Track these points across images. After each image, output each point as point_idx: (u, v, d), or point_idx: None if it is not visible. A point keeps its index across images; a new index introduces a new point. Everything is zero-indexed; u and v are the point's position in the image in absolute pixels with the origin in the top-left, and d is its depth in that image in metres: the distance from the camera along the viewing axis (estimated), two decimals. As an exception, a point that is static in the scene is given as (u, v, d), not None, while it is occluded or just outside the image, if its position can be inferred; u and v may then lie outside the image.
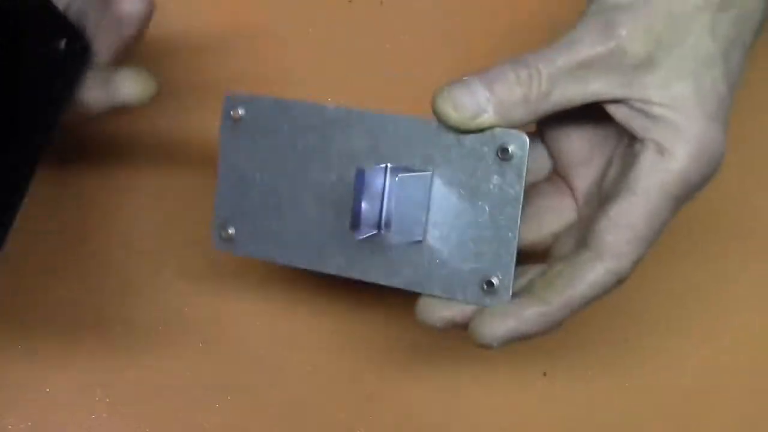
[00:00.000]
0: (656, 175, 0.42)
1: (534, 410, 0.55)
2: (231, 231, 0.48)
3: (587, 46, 0.42)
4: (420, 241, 0.44)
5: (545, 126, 0.46)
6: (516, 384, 0.55)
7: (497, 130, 0.42)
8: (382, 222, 0.43)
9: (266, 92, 0.54)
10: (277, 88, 0.56)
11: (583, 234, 0.43)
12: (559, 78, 0.42)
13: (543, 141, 0.47)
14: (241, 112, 0.47)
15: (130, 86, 0.45)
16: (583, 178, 0.45)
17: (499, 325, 0.42)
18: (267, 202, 0.47)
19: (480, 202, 0.43)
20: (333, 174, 0.46)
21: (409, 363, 0.55)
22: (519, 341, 0.42)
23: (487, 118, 0.42)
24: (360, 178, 0.42)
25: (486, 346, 0.42)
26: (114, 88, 0.45)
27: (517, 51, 0.56)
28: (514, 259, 0.43)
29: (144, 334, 0.55)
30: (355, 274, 0.45)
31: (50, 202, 0.55)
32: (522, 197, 0.42)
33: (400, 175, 0.43)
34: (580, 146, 0.45)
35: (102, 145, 0.56)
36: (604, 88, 0.42)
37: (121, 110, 0.46)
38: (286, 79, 0.58)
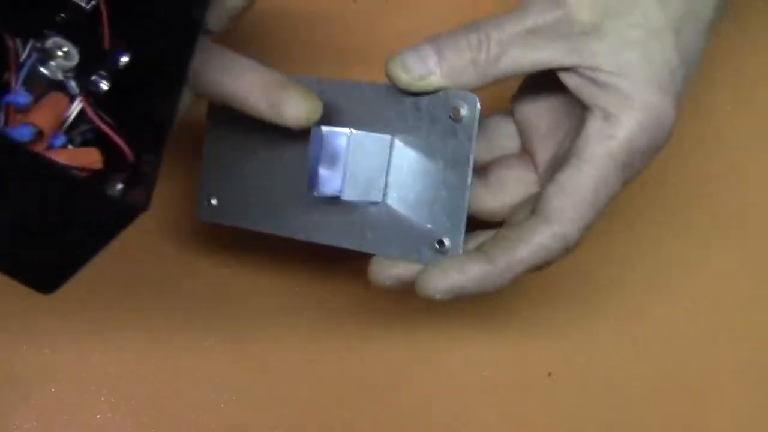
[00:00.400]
0: (602, 142, 0.42)
1: (539, 411, 0.54)
2: (213, 202, 0.50)
3: (536, 13, 0.43)
4: (378, 203, 0.45)
5: (516, 101, 0.47)
6: (521, 384, 0.55)
7: (450, 93, 0.43)
8: (343, 182, 0.44)
9: None
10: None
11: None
12: (509, 44, 0.43)
13: (513, 118, 0.47)
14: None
15: (296, 109, 0.44)
16: (545, 151, 0.46)
17: (443, 278, 0.43)
18: (244, 175, 0.49)
19: (435, 164, 0.44)
20: (298, 144, 0.47)
21: (414, 362, 0.55)
22: (463, 297, 0.43)
23: (435, 79, 0.43)
24: (317, 137, 0.44)
25: (429, 298, 0.43)
26: (277, 104, 0.44)
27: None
28: (464, 219, 0.43)
29: (150, 334, 0.55)
30: (317, 239, 0.47)
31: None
32: (472, 157, 0.43)
33: (358, 133, 0.44)
34: (546, 120, 0.46)
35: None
36: (554, 55, 0.43)
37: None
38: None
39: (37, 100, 0.42)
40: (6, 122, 0.41)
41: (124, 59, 0.43)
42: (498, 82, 0.43)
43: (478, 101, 0.43)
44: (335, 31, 0.59)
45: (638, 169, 0.43)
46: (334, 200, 0.45)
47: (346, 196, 0.45)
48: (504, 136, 0.48)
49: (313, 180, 0.44)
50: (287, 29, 0.58)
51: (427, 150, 0.44)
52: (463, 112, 0.43)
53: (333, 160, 0.44)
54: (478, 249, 0.44)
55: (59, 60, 0.42)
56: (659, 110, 0.43)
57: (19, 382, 0.55)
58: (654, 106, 0.42)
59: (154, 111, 0.40)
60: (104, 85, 0.43)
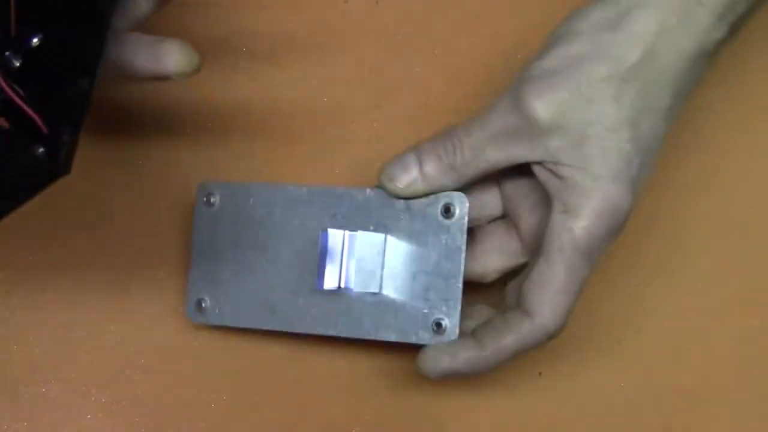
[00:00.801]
0: (565, 235, 0.46)
1: (529, 410, 0.55)
2: (204, 305, 0.53)
3: (499, 117, 0.47)
4: (376, 293, 0.50)
5: (503, 175, 0.51)
6: (511, 384, 0.55)
7: (440, 194, 0.49)
8: (342, 277, 0.50)
9: (258, 89, 0.54)
10: (270, 89, 0.57)
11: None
12: (479, 147, 0.48)
13: (500, 188, 0.51)
14: (213, 197, 0.53)
15: (175, 59, 0.47)
16: (528, 225, 0.50)
17: (436, 362, 0.48)
18: (238, 274, 0.53)
19: (428, 256, 0.49)
20: (297, 243, 0.51)
21: (403, 362, 0.55)
22: (455, 377, 0.48)
23: (419, 186, 0.49)
24: (324, 238, 0.50)
25: (426, 377, 0.48)
26: (160, 58, 0.47)
27: (512, 50, 0.57)
28: (460, 303, 0.49)
29: (140, 334, 0.55)
30: (317, 330, 0.51)
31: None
32: (464, 249, 0.49)
33: (356, 233, 0.50)
34: (529, 198, 0.50)
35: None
36: (521, 153, 0.47)
37: (162, 80, 0.47)
38: (279, 78, 0.58)
39: None
40: None
41: (35, 40, 0.45)
42: (477, 178, 0.49)
43: (466, 200, 0.49)
44: (325, 30, 0.59)
45: (602, 250, 0.47)
46: (332, 293, 0.50)
47: (350, 293, 0.50)
48: (489, 202, 0.52)
49: (321, 276, 0.50)
50: (275, 28, 0.58)
51: (420, 243, 0.49)
52: (453, 209, 0.49)
53: (335, 257, 0.50)
54: (471, 334, 0.48)
55: None
56: (616, 199, 0.46)
57: (8, 383, 0.55)
58: (611, 195, 0.46)
59: (70, 88, 0.43)
60: (16, 62, 0.45)
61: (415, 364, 0.48)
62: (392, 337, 0.50)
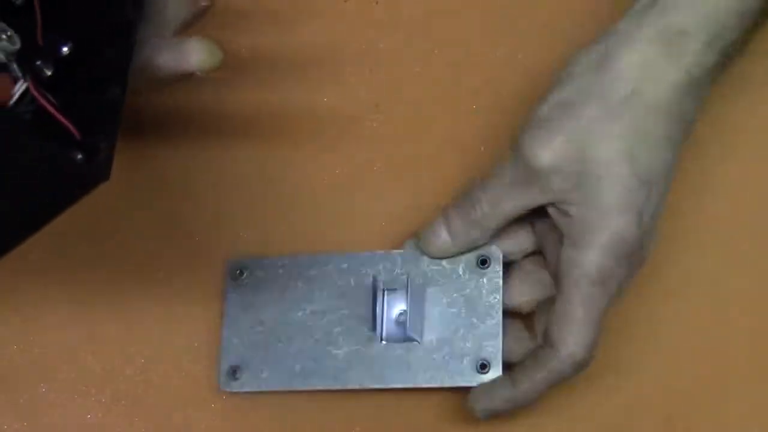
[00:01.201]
0: (576, 270, 0.49)
1: (528, 411, 0.55)
2: (239, 375, 0.54)
3: (508, 169, 0.50)
4: (419, 341, 0.53)
5: (536, 214, 0.52)
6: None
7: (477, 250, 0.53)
8: (385, 330, 0.53)
9: (262, 89, 0.56)
10: (271, 88, 0.57)
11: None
12: (496, 200, 0.51)
13: (531, 222, 0.53)
14: (243, 273, 0.55)
15: (198, 55, 0.48)
16: (552, 258, 0.52)
17: (481, 404, 0.51)
18: (272, 341, 0.54)
19: (467, 304, 0.53)
20: (333, 306, 0.54)
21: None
22: (499, 414, 0.51)
23: (450, 246, 0.53)
24: (375, 297, 0.53)
25: (475, 416, 0.51)
26: (183, 56, 0.48)
27: (511, 51, 0.57)
28: (501, 343, 0.52)
29: (139, 334, 0.55)
30: (362, 384, 0.53)
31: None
32: (501, 296, 0.53)
33: (396, 289, 0.53)
34: (550, 230, 0.52)
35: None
36: (533, 198, 0.50)
37: (187, 78, 0.48)
38: (280, 78, 0.58)
39: None
40: None
41: (65, 49, 0.46)
42: (500, 227, 0.52)
43: (500, 252, 0.53)
44: (325, 30, 0.59)
45: (621, 279, 0.49)
46: (375, 347, 0.53)
47: (395, 340, 0.53)
48: (522, 238, 0.53)
49: (378, 330, 0.53)
50: (275, 28, 0.58)
51: (457, 293, 0.53)
52: (489, 261, 0.53)
53: (379, 312, 0.53)
54: (507, 374, 0.51)
55: (3, 43, 0.44)
56: (621, 229, 0.48)
57: (8, 383, 0.55)
58: (616, 227, 0.48)
59: (102, 96, 0.44)
60: (47, 71, 0.46)
61: (467, 406, 0.51)
62: (440, 383, 0.53)
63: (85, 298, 0.56)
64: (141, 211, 0.57)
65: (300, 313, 0.54)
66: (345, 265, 0.54)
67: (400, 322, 0.53)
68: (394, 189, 0.57)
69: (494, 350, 0.52)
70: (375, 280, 0.53)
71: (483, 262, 0.53)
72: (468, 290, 0.53)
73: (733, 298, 0.55)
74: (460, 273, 0.54)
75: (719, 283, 0.56)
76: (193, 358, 0.55)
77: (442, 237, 0.53)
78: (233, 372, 0.54)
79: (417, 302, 0.53)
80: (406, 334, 0.52)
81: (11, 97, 0.44)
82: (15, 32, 0.44)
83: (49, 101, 0.44)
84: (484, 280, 0.53)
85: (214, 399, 0.55)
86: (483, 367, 0.52)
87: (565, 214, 0.49)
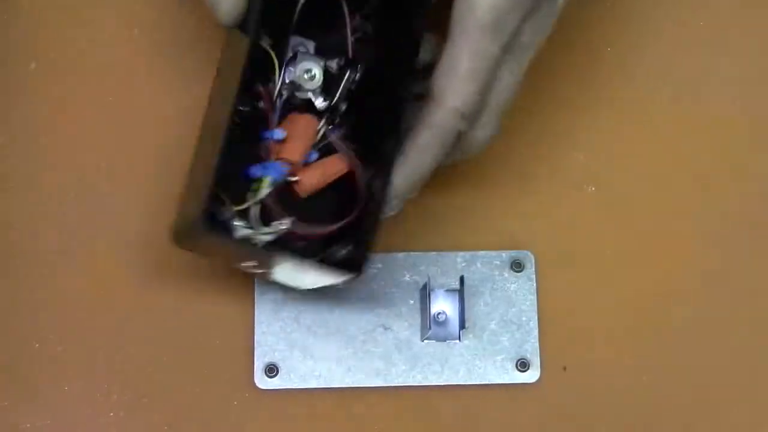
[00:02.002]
0: (467, 13, 0.45)
1: (554, 404, 0.55)
2: (275, 373, 0.54)
3: None
4: (457, 342, 0.54)
5: None
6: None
7: (511, 252, 0.55)
8: (425, 331, 0.54)
9: None
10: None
11: None
12: None
13: None
14: None
15: None
16: None
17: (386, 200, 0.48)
18: (309, 340, 0.55)
19: (503, 305, 0.55)
20: (375, 304, 0.55)
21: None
22: (402, 197, 0.49)
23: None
24: (424, 295, 0.54)
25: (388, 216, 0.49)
26: None
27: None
28: (538, 345, 0.54)
29: (161, 331, 0.55)
30: (412, 382, 0.54)
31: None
32: (536, 298, 0.55)
33: (435, 290, 0.54)
34: None
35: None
36: None
37: None
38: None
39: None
40: (268, 154, 0.50)
41: (357, 75, 0.51)
42: None
43: (534, 257, 0.55)
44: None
45: (516, 27, 0.46)
46: (415, 346, 0.54)
47: (435, 340, 0.54)
48: None
49: (425, 329, 0.54)
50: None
51: (494, 294, 0.55)
52: (524, 265, 0.55)
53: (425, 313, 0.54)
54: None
55: (306, 82, 0.50)
56: None
57: (30, 381, 0.55)
58: None
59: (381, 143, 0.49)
60: (343, 106, 0.51)
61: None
62: (479, 381, 0.54)
63: (110, 296, 0.55)
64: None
65: (337, 312, 0.55)
66: (380, 265, 0.55)
67: (440, 322, 0.54)
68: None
69: (532, 349, 0.54)
70: (428, 280, 0.54)
71: (517, 266, 0.55)
72: (504, 292, 0.55)
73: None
74: (495, 276, 0.55)
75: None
76: (227, 356, 0.55)
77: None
78: (269, 370, 0.54)
79: (456, 302, 0.54)
80: (446, 333, 0.54)
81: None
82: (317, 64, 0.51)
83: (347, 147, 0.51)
84: (519, 282, 0.55)
85: (249, 397, 0.55)
86: (523, 366, 0.54)
87: None
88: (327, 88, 0.51)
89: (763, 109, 0.59)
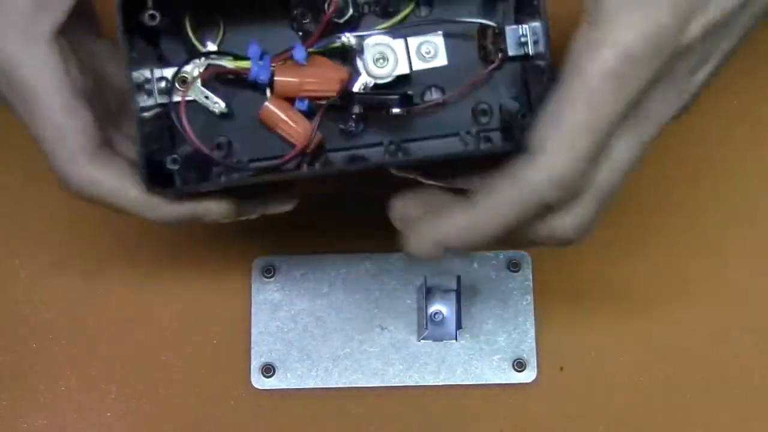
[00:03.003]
0: (590, 52, 0.36)
1: (550, 404, 0.55)
2: (271, 372, 0.54)
3: None
4: (453, 342, 0.54)
5: None
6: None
7: (507, 252, 0.55)
8: (421, 330, 0.54)
9: None
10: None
11: None
12: None
13: None
14: (269, 270, 0.55)
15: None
16: None
17: (424, 239, 0.39)
18: (306, 340, 0.54)
19: (500, 305, 0.55)
20: (371, 304, 0.55)
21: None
22: (450, 252, 0.39)
23: None
24: (421, 295, 0.54)
25: (414, 257, 0.40)
26: None
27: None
28: (535, 345, 0.54)
29: (158, 331, 0.56)
30: (409, 382, 0.54)
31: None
32: (533, 297, 0.54)
33: (432, 288, 0.54)
34: None
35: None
36: None
37: None
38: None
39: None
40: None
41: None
42: None
43: (530, 257, 0.55)
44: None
45: (641, 88, 0.37)
46: (410, 346, 0.54)
47: (430, 340, 0.54)
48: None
49: (422, 329, 0.54)
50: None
51: (491, 293, 0.55)
52: (521, 265, 0.55)
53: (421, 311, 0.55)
54: (463, 195, 0.39)
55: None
56: (661, 11, 0.36)
57: (28, 381, 0.55)
58: (655, 5, 0.36)
59: None
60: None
61: (404, 250, 0.40)
62: (475, 381, 0.54)
63: (110, 297, 0.55)
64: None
65: (333, 312, 0.55)
66: (377, 265, 0.55)
67: (437, 322, 0.54)
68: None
69: (529, 349, 0.54)
70: (425, 280, 0.54)
71: (514, 266, 0.55)
72: (500, 292, 0.55)
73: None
74: (492, 276, 0.55)
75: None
76: (224, 356, 0.55)
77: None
78: (266, 370, 0.54)
79: (452, 302, 0.54)
80: (443, 333, 0.54)
81: None
82: None
83: None
84: (516, 282, 0.55)
85: (246, 397, 0.55)
86: (519, 366, 0.54)
87: None
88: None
89: None
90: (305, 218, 0.54)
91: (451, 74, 0.43)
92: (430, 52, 0.43)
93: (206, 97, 0.42)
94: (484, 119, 0.43)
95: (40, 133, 0.39)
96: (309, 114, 0.42)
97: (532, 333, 0.55)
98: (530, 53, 0.42)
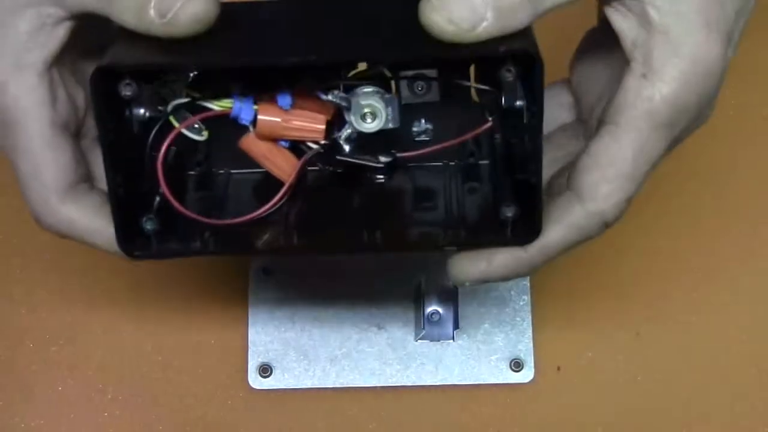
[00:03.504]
0: (641, 103, 0.37)
1: (547, 404, 0.55)
2: (269, 372, 0.54)
3: None
4: (451, 341, 0.54)
5: (572, 65, 0.44)
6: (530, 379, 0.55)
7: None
8: (425, 327, 0.54)
9: None
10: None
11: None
12: None
13: (570, 84, 0.44)
14: (266, 270, 0.55)
15: None
16: (595, 116, 0.41)
17: (470, 267, 0.40)
18: (303, 340, 0.54)
19: (497, 305, 0.54)
20: (369, 304, 0.55)
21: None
22: (493, 281, 0.41)
23: (487, 27, 0.36)
24: (418, 295, 0.54)
25: (459, 285, 0.43)
26: None
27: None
28: (532, 345, 0.54)
29: (155, 330, 0.56)
30: (407, 382, 0.54)
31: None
32: (530, 297, 0.55)
33: (430, 288, 0.54)
34: (600, 83, 0.42)
35: None
36: None
37: None
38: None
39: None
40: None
41: None
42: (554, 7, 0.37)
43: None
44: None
45: (684, 127, 0.38)
46: (408, 346, 0.54)
47: (429, 340, 0.54)
48: (559, 106, 0.44)
49: (419, 329, 0.54)
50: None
51: (488, 293, 0.55)
52: None
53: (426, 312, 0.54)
54: None
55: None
56: (708, 55, 0.37)
57: (24, 381, 0.55)
58: (702, 51, 0.36)
59: None
60: None
61: (447, 271, 0.41)
62: (473, 381, 0.54)
63: (105, 297, 0.56)
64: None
65: (331, 312, 0.55)
66: (375, 265, 0.55)
67: (434, 322, 0.54)
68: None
69: (526, 349, 0.54)
70: (420, 282, 0.54)
71: None
72: (498, 292, 0.55)
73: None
74: None
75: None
76: (221, 355, 0.55)
77: (479, 12, 0.36)
78: (263, 370, 0.54)
79: (449, 303, 0.54)
80: (440, 333, 0.54)
81: None
82: None
83: None
84: (513, 282, 0.55)
85: (243, 397, 0.55)
86: (516, 366, 0.54)
87: (640, 19, 0.37)
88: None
89: None
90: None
91: (442, 110, 0.43)
92: (422, 88, 0.42)
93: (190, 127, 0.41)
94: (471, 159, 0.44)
95: (17, 164, 0.39)
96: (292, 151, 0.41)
97: (529, 333, 0.55)
98: (525, 122, 0.40)
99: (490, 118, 0.42)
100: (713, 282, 0.57)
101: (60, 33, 0.38)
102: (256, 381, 0.54)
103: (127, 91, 0.38)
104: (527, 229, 0.39)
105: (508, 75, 0.37)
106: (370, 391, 0.55)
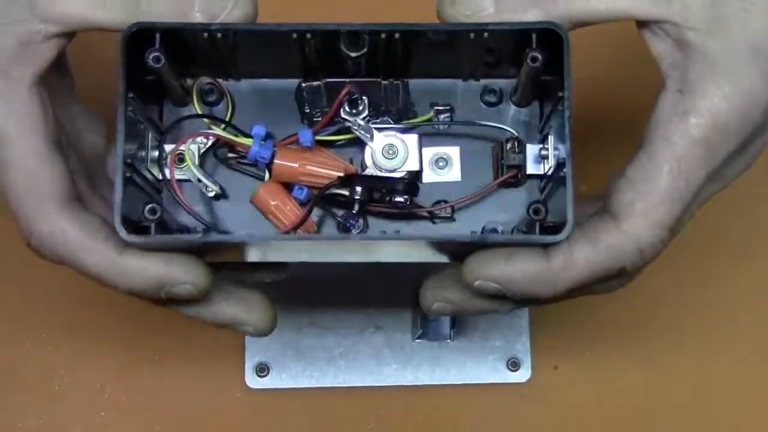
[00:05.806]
0: (677, 120, 0.35)
1: (545, 404, 0.55)
2: (266, 372, 0.54)
3: None
4: (449, 342, 0.54)
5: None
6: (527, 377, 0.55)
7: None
8: (422, 327, 0.54)
9: None
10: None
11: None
12: None
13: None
14: None
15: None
16: None
17: (487, 266, 0.37)
18: (301, 339, 0.54)
19: None
20: (367, 304, 0.55)
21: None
22: (510, 293, 0.38)
23: (487, 16, 0.37)
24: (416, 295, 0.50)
25: (470, 286, 0.38)
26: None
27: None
28: (529, 345, 0.54)
29: (152, 330, 0.56)
30: (404, 382, 0.54)
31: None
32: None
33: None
34: None
35: None
36: (637, 2, 0.36)
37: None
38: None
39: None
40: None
41: None
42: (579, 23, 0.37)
43: None
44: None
45: (726, 155, 0.36)
46: (407, 345, 0.54)
47: (427, 339, 0.54)
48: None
49: (417, 329, 0.54)
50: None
51: None
52: None
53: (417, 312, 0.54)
54: (541, 248, 0.38)
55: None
56: (749, 77, 0.35)
57: (21, 381, 0.55)
58: (745, 75, 0.35)
59: None
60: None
61: (463, 272, 0.38)
62: (470, 381, 0.54)
63: (103, 296, 0.55)
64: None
65: (328, 311, 0.55)
66: (372, 265, 0.54)
67: (431, 322, 0.54)
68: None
69: (523, 349, 0.54)
70: (417, 280, 0.52)
71: None
72: None
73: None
74: None
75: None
76: (218, 355, 0.55)
77: (482, 4, 0.36)
78: (260, 369, 0.54)
79: None
80: (438, 333, 0.54)
81: None
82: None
83: None
84: None
85: (240, 396, 0.55)
86: (514, 365, 0.54)
87: (680, 44, 0.36)
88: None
89: None
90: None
91: (463, 190, 0.41)
92: (443, 165, 0.41)
93: (199, 180, 0.40)
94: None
95: (10, 178, 0.37)
96: (306, 204, 0.40)
97: (526, 333, 0.55)
98: (550, 174, 0.38)
99: (516, 133, 0.40)
100: (714, 282, 0.57)
101: (47, 49, 0.37)
102: (253, 381, 0.54)
103: (155, 64, 0.36)
104: (554, 227, 0.36)
105: (535, 59, 0.36)
106: (368, 391, 0.55)
